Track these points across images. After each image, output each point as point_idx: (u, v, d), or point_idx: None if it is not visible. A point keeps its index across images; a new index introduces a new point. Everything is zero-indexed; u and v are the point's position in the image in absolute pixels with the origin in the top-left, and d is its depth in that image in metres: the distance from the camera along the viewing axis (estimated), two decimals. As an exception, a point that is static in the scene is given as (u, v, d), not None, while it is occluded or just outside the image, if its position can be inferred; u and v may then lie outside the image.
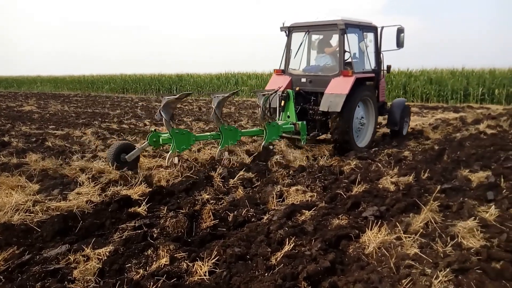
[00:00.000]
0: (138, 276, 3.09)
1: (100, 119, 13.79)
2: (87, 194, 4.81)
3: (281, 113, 7.97)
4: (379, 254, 3.32)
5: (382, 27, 8.54)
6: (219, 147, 6.60)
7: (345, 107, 7.26)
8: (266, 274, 3.05)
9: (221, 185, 5.42)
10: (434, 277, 2.84)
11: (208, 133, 7.19)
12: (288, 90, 7.91)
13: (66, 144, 8.54)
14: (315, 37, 8.69)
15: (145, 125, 12.28)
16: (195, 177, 5.51)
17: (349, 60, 7.89)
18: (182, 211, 4.35)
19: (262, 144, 7.07)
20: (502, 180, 5.31)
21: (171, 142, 6.05)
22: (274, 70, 8.69)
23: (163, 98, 5.95)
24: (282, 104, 7.86)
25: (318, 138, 8.57)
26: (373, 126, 8.39)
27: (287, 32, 8.39)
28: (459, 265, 3.04)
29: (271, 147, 7.18)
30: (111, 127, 11.49)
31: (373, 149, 7.93)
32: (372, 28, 8.51)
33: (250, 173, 5.84)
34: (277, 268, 3.10)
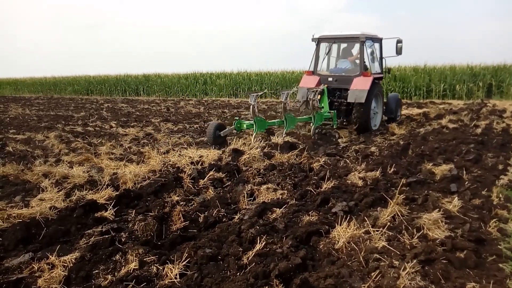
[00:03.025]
0: (106, 282, 3.00)
1: (63, 122, 13.36)
2: (51, 200, 4.62)
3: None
4: (349, 249, 3.37)
5: (382, 38, 10.91)
6: (284, 130, 8.64)
7: (366, 99, 9.48)
8: (238, 273, 3.04)
9: (191, 186, 5.35)
10: (402, 268, 2.91)
11: (275, 120, 9.18)
12: (323, 87, 9.99)
13: (27, 149, 8.22)
14: (338, 46, 10.98)
15: (111, 127, 11.99)
16: (163, 179, 5.41)
17: (366, 64, 10.09)
18: (151, 214, 4.26)
19: (312, 127, 9.07)
20: (464, 172, 5.53)
21: (252, 127, 8.11)
22: (305, 71, 10.95)
23: (251, 95, 8.14)
24: (318, 98, 9.78)
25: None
26: (381, 114, 10.74)
27: (316, 42, 10.60)
28: (425, 256, 3.13)
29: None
30: (76, 130, 11.16)
31: (341, 146, 8.08)
32: (379, 39, 10.80)
33: (221, 173, 5.80)
34: (249, 267, 3.09)
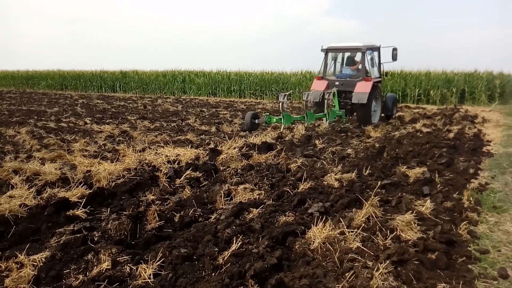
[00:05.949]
0: (77, 282, 2.93)
1: (36, 117, 12.99)
2: (21, 197, 4.47)
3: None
4: (324, 249, 3.40)
5: (380, 46, 12.56)
6: (306, 123, 10.50)
7: (367, 100, 11.11)
8: (213, 274, 3.02)
9: (167, 185, 5.28)
10: (375, 269, 2.96)
11: (298, 116, 11.18)
12: (335, 90, 11.57)
13: (-3, 144, 7.95)
14: (343, 55, 12.80)
15: (86, 123, 11.73)
16: (139, 177, 5.33)
17: (367, 69, 11.87)
18: (125, 213, 4.19)
19: (327, 122, 10.96)
20: (437, 175, 5.66)
21: (281, 121, 9.99)
22: (316, 76, 12.82)
23: (280, 94, 10.04)
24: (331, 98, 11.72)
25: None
26: (379, 111, 12.44)
27: (325, 52, 12.34)
28: (398, 257, 3.19)
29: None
30: (48, 126, 10.86)
31: (318, 147, 8.15)
32: (377, 48, 12.49)
33: (198, 172, 5.75)
34: (224, 268, 3.07)
